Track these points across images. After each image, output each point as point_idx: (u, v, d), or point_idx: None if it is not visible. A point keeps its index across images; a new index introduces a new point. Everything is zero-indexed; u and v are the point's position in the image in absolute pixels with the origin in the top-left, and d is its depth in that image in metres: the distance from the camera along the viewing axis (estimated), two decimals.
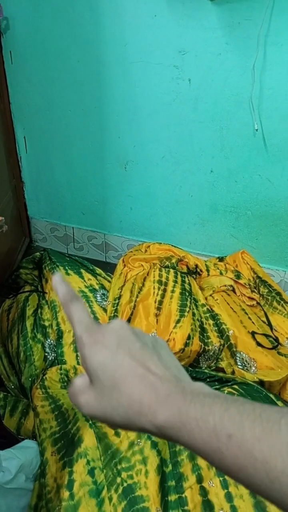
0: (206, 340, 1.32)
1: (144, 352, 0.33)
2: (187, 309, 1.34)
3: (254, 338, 1.33)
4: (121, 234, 1.81)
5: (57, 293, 0.36)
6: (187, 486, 0.92)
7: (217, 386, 1.17)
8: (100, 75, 1.42)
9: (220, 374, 1.23)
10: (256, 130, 1.38)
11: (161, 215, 1.70)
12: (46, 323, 1.39)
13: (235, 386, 1.15)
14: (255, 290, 1.58)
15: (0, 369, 1.35)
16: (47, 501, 0.92)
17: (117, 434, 1.01)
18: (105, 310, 1.43)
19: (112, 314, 1.40)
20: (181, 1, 1.23)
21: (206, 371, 1.26)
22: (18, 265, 1.64)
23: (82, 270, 1.53)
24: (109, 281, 1.55)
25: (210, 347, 1.31)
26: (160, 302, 1.37)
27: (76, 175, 1.70)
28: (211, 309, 1.44)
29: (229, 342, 1.33)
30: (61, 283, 0.37)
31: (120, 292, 1.45)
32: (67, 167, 1.69)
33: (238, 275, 1.59)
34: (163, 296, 1.39)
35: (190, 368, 1.28)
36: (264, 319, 1.46)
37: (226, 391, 1.13)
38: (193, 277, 1.55)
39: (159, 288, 1.42)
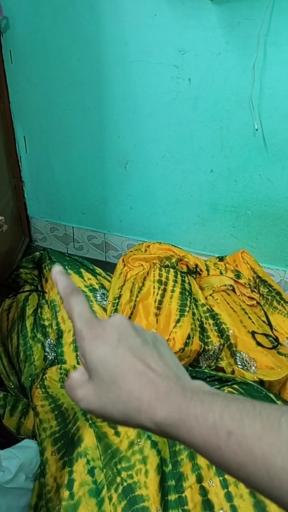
0: (206, 340, 1.32)
1: (144, 348, 0.33)
2: (187, 308, 1.34)
3: (254, 338, 1.33)
4: (121, 234, 1.81)
5: (56, 285, 0.36)
6: (187, 486, 0.92)
7: (217, 386, 1.17)
8: (100, 74, 1.42)
9: (220, 373, 1.23)
10: (256, 129, 1.38)
11: (161, 215, 1.70)
12: (46, 323, 1.39)
13: (235, 386, 1.15)
14: (255, 289, 1.58)
15: (0, 368, 1.35)
16: (47, 500, 0.92)
17: (117, 434, 1.01)
18: (105, 309, 1.43)
19: (112, 314, 1.40)
20: (181, 1, 1.23)
21: (206, 370, 1.26)
22: (18, 264, 1.64)
23: (82, 270, 1.53)
24: (109, 281, 1.55)
25: (210, 347, 1.31)
26: (160, 302, 1.37)
27: (76, 175, 1.70)
28: (211, 308, 1.44)
29: (229, 342, 1.33)
30: (61, 275, 0.36)
31: (120, 291, 1.45)
32: (67, 167, 1.69)
33: (238, 275, 1.59)
34: (163, 295, 1.39)
35: (190, 368, 1.28)
36: (264, 318, 1.46)
37: (226, 391, 1.12)
38: (193, 276, 1.55)
39: (159, 288, 1.41)
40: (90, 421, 1.02)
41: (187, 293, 1.40)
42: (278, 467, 0.25)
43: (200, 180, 1.56)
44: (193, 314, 1.35)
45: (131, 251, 1.65)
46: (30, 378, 1.26)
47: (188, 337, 1.27)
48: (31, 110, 1.58)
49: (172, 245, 1.67)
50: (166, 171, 1.57)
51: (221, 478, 0.93)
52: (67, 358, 1.29)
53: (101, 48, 1.37)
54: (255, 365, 1.27)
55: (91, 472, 0.93)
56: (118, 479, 0.92)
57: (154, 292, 1.40)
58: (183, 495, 0.91)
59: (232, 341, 1.32)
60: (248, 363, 1.27)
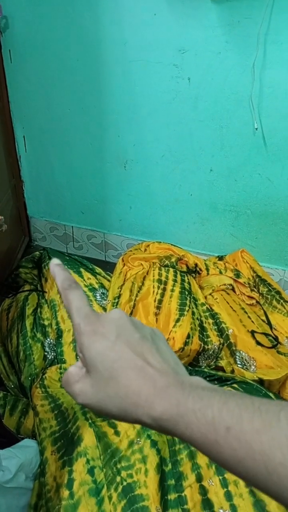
0: (205, 339, 1.32)
1: (143, 344, 0.33)
2: (187, 308, 1.34)
3: (254, 337, 1.33)
4: (120, 233, 1.81)
5: (55, 278, 0.36)
6: (186, 485, 0.92)
7: (217, 385, 1.17)
8: (99, 74, 1.42)
9: (220, 373, 1.23)
10: (256, 129, 1.38)
11: (160, 214, 1.70)
12: (46, 322, 1.39)
13: (235, 385, 1.15)
14: (254, 289, 1.58)
15: (0, 368, 1.35)
16: (47, 500, 0.92)
17: (116, 433, 1.01)
18: (104, 309, 1.43)
19: (111, 309, 1.40)
20: (181, 0, 1.23)
21: (205, 370, 1.25)
22: (18, 264, 1.64)
23: (82, 269, 1.53)
24: (108, 280, 1.55)
25: (209, 346, 1.31)
26: (160, 301, 1.37)
27: (75, 174, 1.70)
28: (211, 308, 1.44)
29: (228, 341, 1.32)
30: (59, 268, 0.36)
31: (120, 291, 1.45)
32: (67, 166, 1.69)
33: (237, 274, 1.59)
34: (162, 295, 1.39)
35: (189, 367, 1.28)
36: (264, 318, 1.46)
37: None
38: (192, 276, 1.55)
39: (158, 287, 1.41)
40: (90, 421, 1.02)
41: (186, 293, 1.40)
42: (277, 462, 0.25)
43: (200, 180, 1.56)
44: (193, 313, 1.35)
45: (131, 251, 1.65)
46: (29, 378, 1.26)
47: (188, 336, 1.27)
48: (31, 109, 1.58)
49: (171, 245, 1.67)
50: (165, 171, 1.57)
51: (220, 477, 0.92)
52: (66, 357, 1.28)
53: (100, 47, 1.37)
54: (254, 364, 1.27)
55: (91, 471, 0.93)
56: (118, 479, 0.92)
57: (153, 291, 1.40)
58: (183, 494, 0.91)
59: (232, 340, 1.32)
60: (248, 362, 1.27)
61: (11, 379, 1.31)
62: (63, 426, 1.05)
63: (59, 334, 1.33)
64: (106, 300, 1.45)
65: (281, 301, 1.53)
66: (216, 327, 1.37)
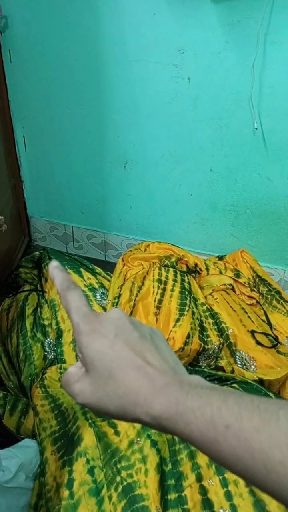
0: (205, 339, 1.32)
1: (142, 342, 0.33)
2: (187, 308, 1.34)
3: (254, 337, 1.33)
4: (120, 233, 1.81)
5: (53, 280, 0.36)
6: (186, 485, 0.92)
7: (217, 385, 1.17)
8: (99, 74, 1.42)
9: (220, 373, 1.23)
10: (256, 128, 1.38)
11: (160, 214, 1.70)
12: (46, 322, 1.39)
13: (235, 385, 1.15)
14: (254, 289, 1.58)
15: (0, 368, 1.35)
16: (47, 500, 0.92)
17: (116, 433, 1.01)
18: (104, 309, 1.43)
19: (110, 308, 1.40)
20: (180, 0, 1.23)
21: (205, 370, 1.25)
22: (18, 264, 1.64)
23: (82, 269, 1.53)
24: (108, 280, 1.55)
25: (209, 346, 1.31)
26: (160, 301, 1.37)
27: (75, 174, 1.70)
28: (211, 308, 1.44)
29: (228, 341, 1.32)
30: (58, 270, 0.36)
31: (120, 291, 1.45)
32: (67, 166, 1.69)
33: (237, 274, 1.59)
34: (162, 295, 1.39)
35: (189, 367, 1.27)
36: (264, 318, 1.46)
37: None
38: (192, 276, 1.55)
39: (158, 287, 1.41)
40: (90, 421, 1.02)
41: (186, 293, 1.40)
42: (276, 461, 0.25)
43: (200, 179, 1.56)
44: (193, 313, 1.35)
45: (131, 251, 1.65)
46: (29, 378, 1.26)
47: (188, 336, 1.27)
48: (31, 109, 1.58)
49: (171, 245, 1.67)
50: (165, 171, 1.57)
51: (220, 477, 0.92)
52: (66, 357, 1.28)
53: (100, 47, 1.37)
54: (254, 364, 1.27)
55: (91, 471, 0.93)
56: (118, 478, 0.92)
57: (153, 291, 1.40)
58: (183, 494, 0.91)
59: (232, 340, 1.32)
60: (248, 362, 1.27)
61: (11, 379, 1.31)
62: (63, 426, 1.05)
63: (59, 334, 1.33)
64: (106, 300, 1.45)
65: (281, 301, 1.53)
66: (216, 327, 1.37)
